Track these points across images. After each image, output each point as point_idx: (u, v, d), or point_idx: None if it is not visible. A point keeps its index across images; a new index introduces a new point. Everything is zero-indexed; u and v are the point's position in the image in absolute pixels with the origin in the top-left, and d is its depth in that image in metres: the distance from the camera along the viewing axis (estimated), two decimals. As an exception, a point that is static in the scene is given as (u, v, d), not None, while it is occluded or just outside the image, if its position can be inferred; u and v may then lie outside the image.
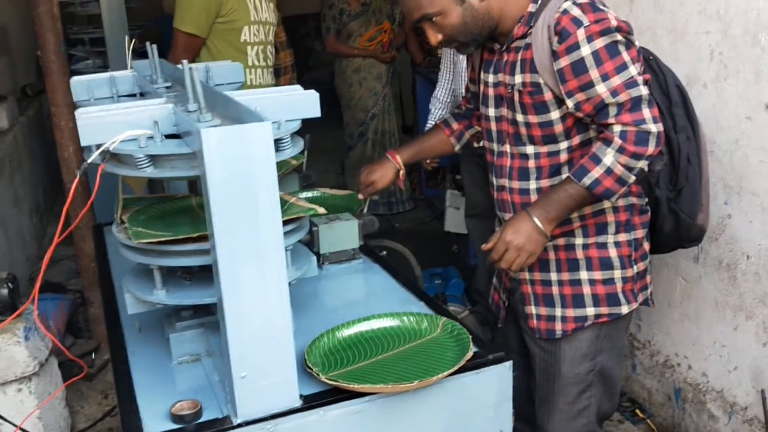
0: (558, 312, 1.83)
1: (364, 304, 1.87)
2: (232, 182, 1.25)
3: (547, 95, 1.68)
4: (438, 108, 3.46)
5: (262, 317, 1.32)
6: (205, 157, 1.23)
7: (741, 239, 2.31)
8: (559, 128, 1.71)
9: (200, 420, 1.38)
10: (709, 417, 2.55)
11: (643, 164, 1.62)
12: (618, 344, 1.89)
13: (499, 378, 1.55)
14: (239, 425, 1.35)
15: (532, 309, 1.86)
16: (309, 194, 2.54)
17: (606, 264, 1.79)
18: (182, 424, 1.36)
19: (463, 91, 3.07)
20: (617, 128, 1.60)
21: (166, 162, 1.42)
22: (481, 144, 1.99)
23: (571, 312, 1.81)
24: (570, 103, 1.64)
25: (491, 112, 1.83)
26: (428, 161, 4.00)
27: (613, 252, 1.79)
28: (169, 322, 1.64)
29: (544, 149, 1.74)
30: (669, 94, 1.83)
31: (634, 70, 1.61)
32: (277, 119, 1.50)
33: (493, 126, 1.84)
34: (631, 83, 1.59)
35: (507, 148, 1.81)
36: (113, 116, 1.44)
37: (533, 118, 1.72)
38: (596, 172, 1.61)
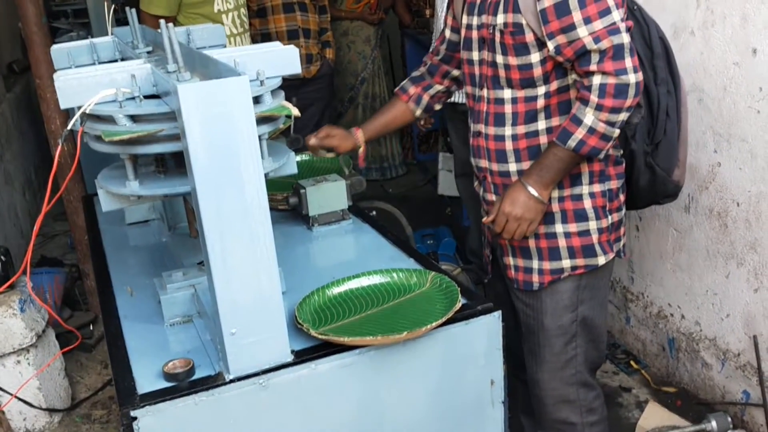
0: (535, 264, 1.83)
1: (354, 263, 1.87)
2: (212, 139, 1.24)
3: (529, 36, 1.66)
4: None
5: (249, 274, 1.32)
6: (183, 114, 1.22)
7: (731, 187, 2.31)
8: (538, 71, 1.69)
9: (193, 378, 1.39)
10: (702, 365, 2.58)
11: (624, 116, 1.62)
12: (599, 293, 1.89)
13: (489, 328, 1.56)
14: (231, 381, 1.36)
15: (510, 260, 1.87)
16: (297, 158, 2.53)
17: (581, 216, 1.79)
18: (175, 381, 1.37)
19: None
20: (596, 79, 1.58)
21: (146, 122, 1.41)
22: (461, 101, 1.98)
23: (547, 265, 1.81)
24: (551, 46, 1.62)
25: (474, 55, 1.81)
26: (422, 122, 3.97)
27: (587, 203, 1.78)
28: (160, 285, 1.64)
29: (521, 93, 1.73)
30: (652, 45, 1.80)
31: (617, 15, 1.58)
32: (260, 75, 1.49)
33: (476, 70, 1.81)
34: (613, 30, 1.57)
35: (485, 92, 1.79)
36: (92, 77, 1.43)
37: (513, 60, 1.70)
38: (579, 134, 1.61)
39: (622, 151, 1.83)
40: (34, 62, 3.16)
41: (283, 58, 1.57)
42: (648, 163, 1.84)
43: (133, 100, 1.42)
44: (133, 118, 1.40)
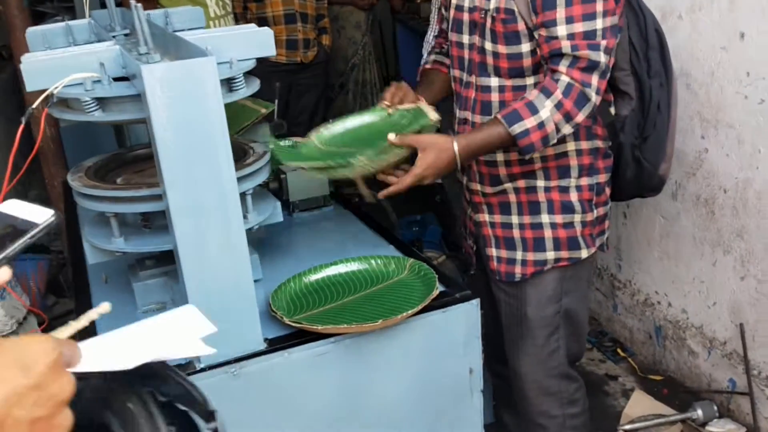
0: (518, 255, 1.80)
1: (334, 250, 1.84)
2: (179, 122, 1.21)
3: (520, 25, 1.60)
4: (428, 51, 3.34)
5: (218, 261, 1.29)
6: (148, 96, 1.18)
7: (718, 173, 2.28)
8: (527, 62, 1.65)
9: (163, 366, 1.36)
10: (689, 353, 2.56)
11: (566, 130, 1.56)
12: (582, 285, 1.87)
13: (467, 316, 1.54)
14: (202, 369, 1.34)
15: (493, 251, 1.83)
16: (282, 143, 2.49)
17: (567, 207, 1.75)
18: (144, 371, 1.35)
19: (437, 28, 2.98)
20: (564, 79, 1.53)
21: (114, 105, 1.38)
22: None
23: (531, 255, 1.78)
24: (536, 35, 1.58)
25: (465, 39, 1.75)
26: None
27: (574, 196, 1.75)
28: (133, 272, 1.61)
29: (509, 83, 1.68)
30: (647, 37, 1.75)
31: (600, 23, 1.52)
32: (232, 57, 1.46)
33: (466, 54, 1.75)
34: (594, 45, 1.51)
35: (473, 78, 1.74)
36: (58, 60, 1.39)
37: (502, 49, 1.65)
38: (529, 122, 1.53)
39: (610, 143, 1.79)
40: (15, 46, 3.12)
41: (258, 40, 1.53)
42: (635, 156, 1.81)
43: (100, 83, 1.39)
44: (100, 102, 1.37)
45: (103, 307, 0.73)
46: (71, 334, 0.69)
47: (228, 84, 1.47)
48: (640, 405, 2.48)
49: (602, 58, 1.52)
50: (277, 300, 1.51)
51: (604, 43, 1.52)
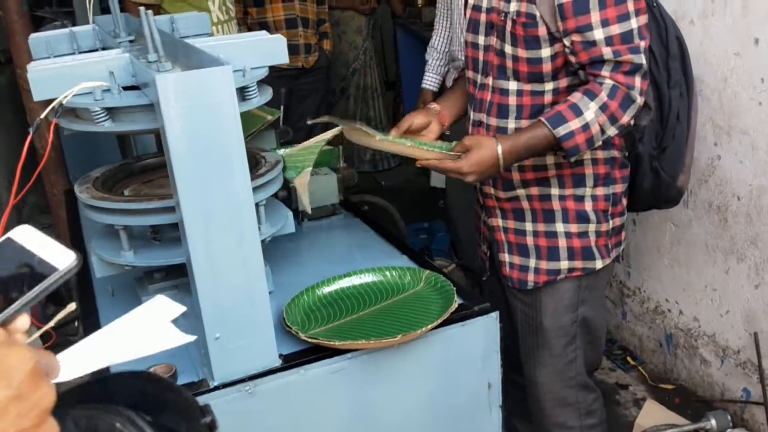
0: (532, 263, 1.77)
1: (345, 259, 1.80)
2: (194, 133, 1.17)
3: (541, 30, 1.57)
4: (435, 59, 3.27)
5: (233, 275, 1.25)
6: (162, 106, 1.14)
7: (731, 180, 2.25)
8: (547, 67, 1.61)
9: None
10: (701, 362, 2.53)
11: (612, 132, 1.54)
12: (599, 294, 1.84)
13: (486, 329, 1.50)
14: (216, 388, 1.30)
15: (506, 257, 1.80)
16: (287, 150, 2.45)
17: (582, 217, 1.72)
18: (156, 389, 1.30)
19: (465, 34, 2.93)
20: (608, 82, 1.51)
21: (124, 115, 1.34)
22: None
23: (544, 264, 1.75)
24: (566, 42, 1.54)
25: (480, 40, 1.71)
26: None
27: (589, 205, 1.72)
28: (142, 285, 1.57)
29: (527, 87, 1.65)
30: (668, 45, 1.74)
31: (635, 23, 1.51)
32: (245, 65, 1.42)
33: (480, 55, 1.72)
34: (634, 48, 1.51)
35: (489, 80, 1.70)
36: (67, 68, 1.35)
37: (522, 53, 1.61)
38: (573, 125, 1.51)
39: (627, 153, 1.76)
40: (15, 52, 3.08)
41: (270, 48, 1.49)
42: (653, 167, 1.78)
43: (109, 92, 1.35)
44: (110, 111, 1.33)
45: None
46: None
47: (241, 93, 1.43)
48: (652, 415, 2.45)
49: (644, 60, 1.51)
50: (291, 314, 1.47)
51: (642, 44, 1.51)
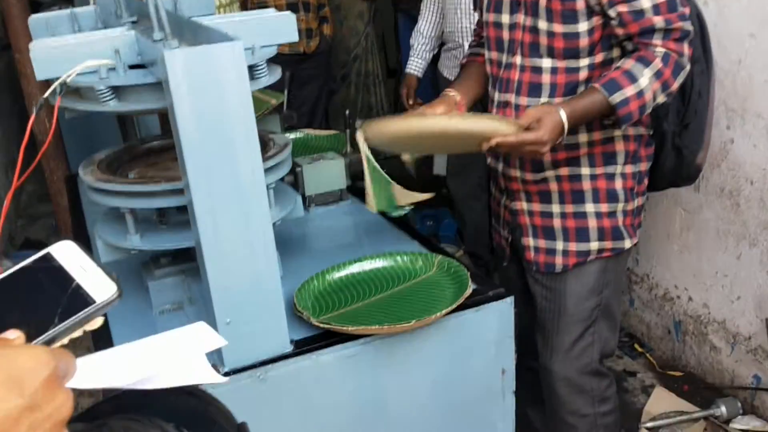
0: (559, 245, 1.73)
1: (354, 245, 1.77)
2: (204, 112, 1.13)
3: (579, 3, 1.54)
4: (422, 43, 3.22)
5: (244, 259, 1.22)
6: (171, 84, 1.10)
7: (744, 164, 2.22)
8: (584, 42, 1.58)
9: (184, 371, 1.29)
10: (711, 348, 2.51)
11: (661, 100, 1.53)
12: (620, 278, 1.82)
13: (500, 315, 1.47)
14: (226, 374, 1.27)
15: (530, 241, 1.77)
16: (291, 135, 2.42)
17: (612, 195, 1.70)
18: (165, 375, 1.27)
19: (473, 21, 2.88)
20: (660, 50, 1.50)
21: (130, 94, 1.30)
22: None
23: (573, 246, 1.72)
24: (612, 13, 1.52)
25: (504, 18, 1.66)
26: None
27: (619, 183, 1.70)
28: (148, 270, 1.54)
29: (562, 64, 1.60)
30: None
31: None
32: (254, 44, 1.38)
33: (505, 34, 1.67)
34: (683, 15, 1.51)
35: (518, 59, 1.65)
36: (71, 47, 1.31)
37: (558, 27, 1.57)
38: (629, 91, 1.48)
39: (652, 132, 1.73)
40: (13, 36, 3.03)
41: (279, 26, 1.45)
42: (676, 144, 1.76)
43: (114, 71, 1.31)
44: (116, 90, 1.29)
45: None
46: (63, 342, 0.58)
47: (251, 71, 1.39)
48: (661, 402, 2.43)
49: (690, 26, 1.51)
50: (301, 299, 1.44)
51: (686, 11, 1.52)
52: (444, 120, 1.53)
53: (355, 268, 1.58)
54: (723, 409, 2.33)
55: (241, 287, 1.23)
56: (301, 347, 1.32)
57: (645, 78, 1.48)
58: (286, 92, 2.53)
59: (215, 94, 1.13)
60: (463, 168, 3.28)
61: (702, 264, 2.48)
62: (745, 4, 2.09)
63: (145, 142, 1.64)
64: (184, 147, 1.14)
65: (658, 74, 1.49)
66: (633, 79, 1.48)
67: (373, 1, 4.94)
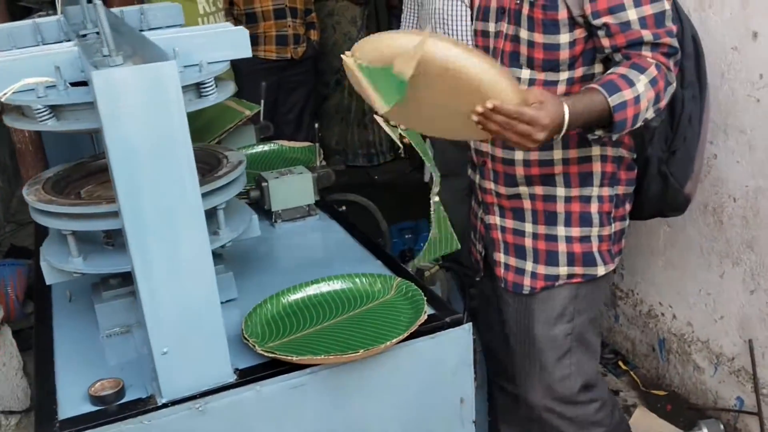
0: (528, 266, 1.68)
1: (317, 264, 1.72)
2: (135, 134, 1.08)
3: (562, 13, 1.48)
4: None
5: (178, 286, 1.16)
6: (99, 104, 1.06)
7: (727, 181, 2.15)
8: (564, 54, 1.52)
9: (122, 401, 1.24)
10: (694, 368, 2.44)
11: (649, 114, 1.42)
12: (596, 306, 1.74)
13: (458, 342, 1.41)
14: (164, 405, 1.21)
15: (501, 257, 1.72)
16: (266, 147, 2.37)
17: (585, 220, 1.63)
18: (101, 405, 1.23)
19: (446, 31, 2.83)
20: (652, 60, 1.43)
21: (69, 113, 1.26)
22: None
23: (542, 269, 1.67)
24: (597, 23, 1.45)
25: (491, 27, 1.62)
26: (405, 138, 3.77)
27: (594, 207, 1.63)
28: (96, 292, 1.49)
29: (541, 76, 1.55)
30: (683, 44, 1.64)
31: (667, 4, 1.45)
32: (202, 60, 1.34)
33: (491, 43, 1.62)
34: (671, 32, 1.45)
35: None
36: (9, 63, 1.27)
37: (539, 38, 1.51)
38: (627, 94, 1.38)
39: (635, 156, 1.67)
40: (-8, 43, 2.98)
41: (232, 41, 1.41)
42: (662, 171, 1.69)
43: (56, 89, 1.26)
44: (55, 109, 1.24)
45: None
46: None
47: (198, 88, 1.35)
48: (643, 423, 2.37)
49: (676, 44, 1.45)
50: (250, 324, 1.39)
51: (674, 28, 1.45)
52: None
53: (312, 290, 1.53)
54: (705, 431, 2.27)
55: (177, 316, 1.17)
56: (246, 377, 1.27)
57: (641, 84, 1.39)
58: (262, 103, 2.48)
59: (148, 115, 1.08)
60: (449, 171, 3.23)
61: (686, 281, 2.42)
62: (728, 17, 2.03)
63: (97, 159, 1.59)
64: (114, 171, 1.09)
65: (653, 82, 1.40)
66: (630, 83, 1.39)
67: (366, 6, 4.89)
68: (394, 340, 1.30)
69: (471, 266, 3.39)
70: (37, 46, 1.88)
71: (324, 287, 1.54)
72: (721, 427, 2.27)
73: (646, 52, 1.44)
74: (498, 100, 1.26)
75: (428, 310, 1.40)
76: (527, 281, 1.68)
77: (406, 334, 1.31)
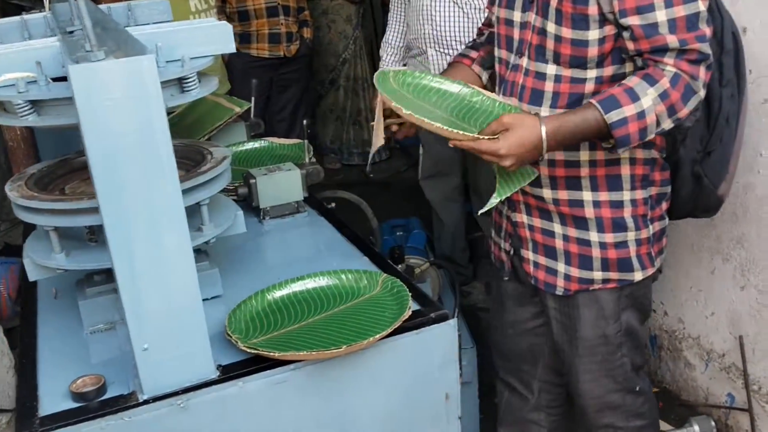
0: (561, 267, 1.63)
1: (304, 261, 1.71)
2: (114, 129, 1.08)
3: (592, 8, 1.42)
4: (390, 54, 3.17)
5: (159, 282, 1.16)
6: (76, 99, 1.05)
7: (717, 177, 2.15)
8: (593, 51, 1.46)
9: (103, 397, 1.23)
10: (685, 365, 2.44)
11: (668, 126, 1.39)
12: (643, 300, 1.70)
13: (443, 338, 1.41)
14: (145, 401, 1.21)
15: (530, 255, 1.67)
16: (256, 144, 2.37)
17: (619, 225, 1.57)
18: (82, 402, 1.22)
19: (434, 27, 2.82)
20: (670, 69, 1.37)
21: (51, 108, 1.25)
22: None
23: (575, 272, 1.61)
24: (624, 24, 1.40)
25: (516, 16, 1.56)
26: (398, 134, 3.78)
27: (627, 212, 1.57)
28: (80, 288, 1.48)
29: (567, 72, 1.49)
30: (723, 40, 1.58)
31: (702, 5, 1.37)
32: (184, 55, 1.33)
33: (516, 33, 1.57)
34: (701, 37, 1.37)
35: (524, 62, 1.55)
36: (-11, 58, 1.26)
37: (567, 32, 1.46)
38: (628, 111, 1.35)
39: (666, 156, 1.63)
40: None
41: (215, 36, 1.40)
42: (695, 172, 1.64)
43: (38, 84, 1.26)
44: (35, 104, 1.24)
45: None
46: None
47: (180, 83, 1.34)
48: (634, 420, 2.36)
49: (709, 50, 1.38)
50: (234, 321, 1.38)
51: (708, 31, 1.38)
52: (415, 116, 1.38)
53: (298, 286, 1.53)
54: (696, 428, 2.27)
55: (158, 311, 1.17)
56: (228, 373, 1.27)
57: (648, 98, 1.35)
58: (253, 100, 2.47)
59: (127, 111, 1.08)
60: (438, 171, 3.24)
61: (678, 278, 2.42)
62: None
63: (81, 155, 1.58)
64: (93, 167, 1.09)
65: (663, 95, 1.36)
66: (635, 98, 1.35)
67: (361, 5, 4.89)
68: (377, 336, 1.29)
69: (465, 265, 3.41)
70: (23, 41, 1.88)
71: (310, 284, 1.53)
72: (712, 423, 2.27)
73: (669, 60, 1.37)
74: (456, 138, 1.37)
75: (413, 306, 1.40)
76: (561, 282, 1.64)
77: (389, 330, 1.31)
